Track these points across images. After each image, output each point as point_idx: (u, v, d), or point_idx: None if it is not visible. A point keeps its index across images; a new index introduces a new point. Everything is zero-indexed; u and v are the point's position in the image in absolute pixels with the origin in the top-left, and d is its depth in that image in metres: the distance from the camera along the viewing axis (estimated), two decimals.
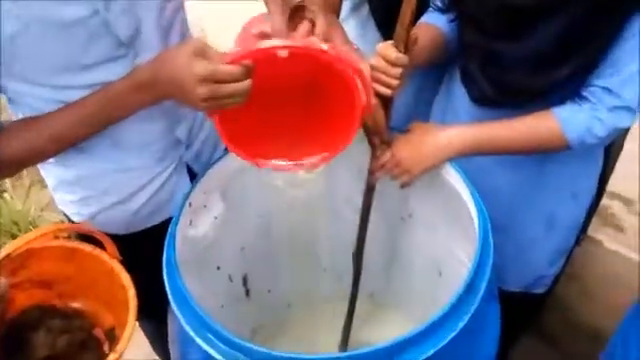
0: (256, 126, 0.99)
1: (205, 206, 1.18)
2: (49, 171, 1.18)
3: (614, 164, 1.71)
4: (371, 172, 1.16)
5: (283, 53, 0.84)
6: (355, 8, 1.45)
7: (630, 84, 1.02)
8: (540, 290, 1.46)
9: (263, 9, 0.95)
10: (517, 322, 1.43)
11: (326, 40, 0.88)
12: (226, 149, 1.24)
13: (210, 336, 0.88)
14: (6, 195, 2.46)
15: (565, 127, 1.07)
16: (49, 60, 0.95)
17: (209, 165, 1.18)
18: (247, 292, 1.45)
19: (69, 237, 1.31)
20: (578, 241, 1.45)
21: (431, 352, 0.84)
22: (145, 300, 1.09)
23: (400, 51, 0.98)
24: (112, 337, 1.17)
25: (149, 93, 0.97)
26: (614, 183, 1.78)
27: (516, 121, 1.10)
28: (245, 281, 1.43)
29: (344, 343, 1.46)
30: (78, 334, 1.18)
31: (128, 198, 1.19)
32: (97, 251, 1.14)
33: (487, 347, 1.03)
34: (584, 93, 1.06)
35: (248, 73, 0.86)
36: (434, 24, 1.20)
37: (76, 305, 1.21)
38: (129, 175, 1.16)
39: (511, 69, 1.10)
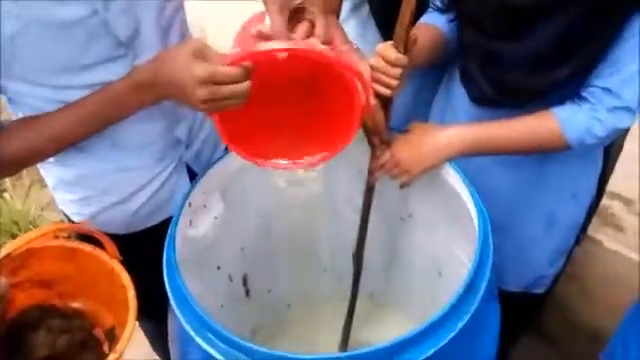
0: (256, 125, 1.00)
1: (205, 206, 1.18)
2: (49, 171, 1.19)
3: (614, 164, 1.71)
4: (371, 172, 1.17)
5: (282, 55, 0.84)
6: (355, 8, 1.45)
7: (630, 84, 1.02)
8: (540, 290, 1.46)
9: (263, 9, 0.95)
10: (517, 322, 1.43)
11: (325, 41, 0.88)
12: (226, 149, 1.24)
13: (210, 336, 0.88)
14: (6, 195, 2.46)
15: (565, 127, 1.07)
16: (49, 60, 0.95)
17: (209, 165, 1.18)
18: (247, 292, 1.45)
19: (69, 237, 1.31)
20: (578, 241, 1.45)
21: (431, 352, 0.84)
22: (145, 300, 1.09)
23: (400, 51, 0.98)
24: (112, 337, 1.17)
25: (149, 93, 0.97)
26: (614, 183, 1.78)
27: (516, 121, 1.10)
28: (245, 281, 1.43)
29: (344, 343, 1.46)
30: (78, 334, 1.18)
31: (128, 198, 1.19)
32: (97, 251, 1.14)
33: (487, 347, 1.03)
34: (584, 93, 1.06)
35: (247, 75, 0.87)
36: (434, 24, 1.20)
37: (76, 305, 1.21)
38: (129, 175, 1.17)
39: (511, 69, 1.10)
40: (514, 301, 1.31)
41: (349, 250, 1.32)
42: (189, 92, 0.88)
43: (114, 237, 1.15)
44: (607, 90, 1.03)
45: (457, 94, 1.27)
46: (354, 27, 1.44)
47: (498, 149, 1.13)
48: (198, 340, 0.89)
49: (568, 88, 1.07)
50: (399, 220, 1.38)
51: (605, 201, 2.19)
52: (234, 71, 0.86)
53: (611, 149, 1.43)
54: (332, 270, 1.56)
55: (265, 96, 0.95)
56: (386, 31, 1.34)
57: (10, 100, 1.04)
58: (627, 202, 2.29)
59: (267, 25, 0.88)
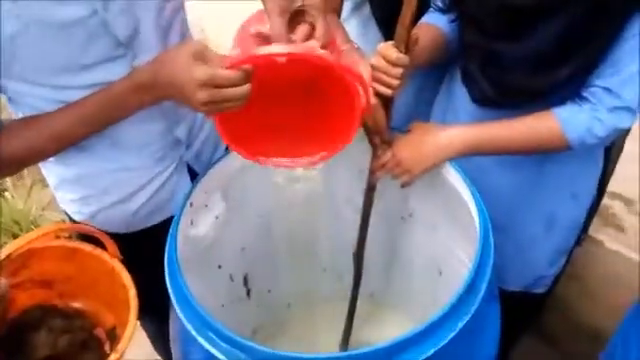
0: (256, 125, 1.00)
1: (206, 206, 1.18)
2: (50, 170, 1.19)
3: (615, 165, 1.71)
4: (372, 172, 1.17)
5: (282, 59, 0.84)
6: (356, 8, 1.45)
7: (630, 84, 1.02)
8: (540, 290, 1.46)
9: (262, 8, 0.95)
10: (517, 322, 1.43)
11: (325, 44, 0.87)
12: (227, 149, 1.25)
13: (212, 335, 0.88)
14: (7, 194, 2.46)
15: (565, 127, 1.07)
16: (48, 60, 0.95)
17: (210, 165, 1.18)
18: (248, 292, 1.45)
19: (70, 237, 1.31)
20: (579, 241, 1.45)
21: (431, 352, 0.84)
22: (146, 299, 1.09)
23: (401, 51, 0.99)
24: (113, 337, 1.17)
25: (149, 94, 0.97)
26: (615, 183, 1.78)
27: (516, 121, 1.10)
28: (246, 281, 1.43)
29: (345, 343, 1.46)
30: (79, 334, 1.18)
31: (128, 197, 1.19)
32: (98, 251, 1.14)
33: (487, 347, 1.03)
34: (584, 93, 1.06)
35: (247, 78, 0.87)
36: (435, 24, 1.20)
37: (77, 305, 1.21)
38: (129, 174, 1.17)
39: (511, 69, 1.10)
40: (514, 301, 1.31)
41: (349, 250, 1.32)
42: (189, 94, 0.88)
43: (115, 236, 1.16)
44: (607, 90, 1.03)
45: (458, 94, 1.27)
46: (355, 27, 1.44)
47: (499, 149, 1.13)
48: (200, 340, 0.89)
49: (569, 88, 1.07)
50: (400, 220, 1.38)
51: (606, 201, 2.19)
52: (234, 74, 0.86)
53: (612, 149, 1.43)
54: (332, 270, 1.57)
55: (265, 96, 0.95)
56: (387, 31, 1.34)
57: (10, 100, 1.04)
58: (628, 202, 2.29)
59: (266, 26, 0.88)
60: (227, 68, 0.86)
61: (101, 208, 1.20)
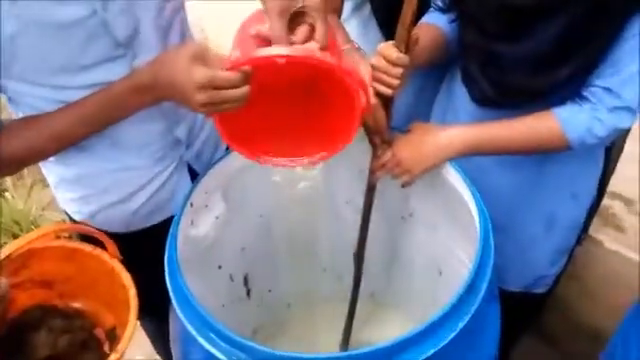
0: (256, 125, 1.00)
1: (206, 206, 1.18)
2: (50, 169, 1.19)
3: (615, 165, 1.71)
4: (372, 171, 1.17)
5: (281, 61, 0.84)
6: (357, 8, 1.45)
7: (630, 84, 1.02)
8: (541, 290, 1.46)
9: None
10: (517, 322, 1.43)
11: (324, 46, 0.87)
12: (227, 149, 1.25)
13: (212, 335, 0.88)
14: (7, 194, 2.46)
15: (565, 127, 1.07)
16: (48, 60, 0.95)
17: (210, 165, 1.18)
18: (248, 292, 1.45)
19: (70, 237, 1.31)
20: (579, 241, 1.45)
21: (431, 352, 0.84)
22: (146, 299, 1.09)
23: (401, 51, 0.99)
24: (113, 337, 1.17)
25: (149, 95, 0.97)
26: (615, 183, 1.78)
27: (517, 121, 1.10)
28: (246, 281, 1.43)
29: (345, 343, 1.46)
30: (79, 334, 1.18)
31: (128, 197, 1.19)
32: (98, 251, 1.14)
33: (487, 347, 1.03)
34: (584, 93, 1.06)
35: (246, 79, 0.87)
36: (435, 24, 1.20)
37: (77, 305, 1.21)
38: (129, 174, 1.17)
39: (511, 70, 1.10)
40: (515, 301, 1.31)
41: (350, 250, 1.32)
42: (188, 96, 0.89)
43: (115, 236, 1.16)
44: (607, 90, 1.03)
45: (458, 94, 1.27)
46: (356, 27, 1.44)
47: (499, 149, 1.13)
48: (200, 340, 0.89)
49: (569, 88, 1.07)
50: (400, 220, 1.38)
51: (606, 201, 2.19)
52: (233, 76, 0.86)
53: (612, 149, 1.43)
54: (333, 270, 1.57)
55: (265, 96, 0.96)
56: (388, 31, 1.35)
57: (10, 100, 1.04)
58: (628, 202, 2.29)
59: (266, 26, 0.88)
60: (226, 70, 0.86)
61: (101, 208, 1.20)
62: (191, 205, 1.11)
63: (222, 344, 0.87)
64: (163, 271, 1.01)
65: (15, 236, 2.22)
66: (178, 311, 0.94)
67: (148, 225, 1.25)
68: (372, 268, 1.40)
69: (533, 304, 1.51)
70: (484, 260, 0.96)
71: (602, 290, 1.98)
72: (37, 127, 1.00)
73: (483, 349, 1.02)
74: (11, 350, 1.13)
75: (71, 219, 1.27)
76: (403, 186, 1.17)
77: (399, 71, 1.00)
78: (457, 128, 1.14)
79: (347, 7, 1.43)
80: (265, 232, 1.40)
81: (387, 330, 1.53)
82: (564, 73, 1.04)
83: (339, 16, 1.37)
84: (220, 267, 1.31)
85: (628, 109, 1.04)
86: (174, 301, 0.96)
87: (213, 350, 0.87)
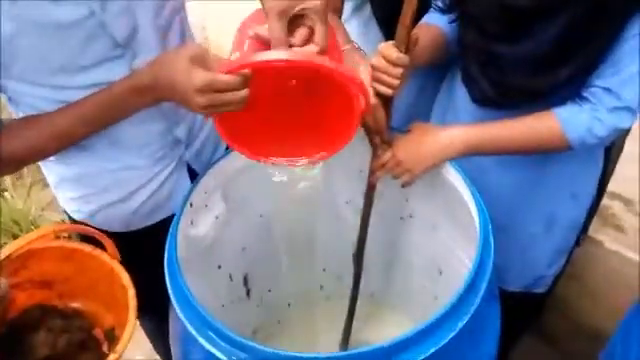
0: (256, 124, 1.00)
1: (206, 206, 1.18)
2: (50, 169, 1.19)
3: (615, 165, 1.70)
4: (372, 171, 1.17)
5: (281, 64, 0.84)
6: (357, 8, 1.45)
7: (630, 85, 1.02)
8: (540, 290, 1.46)
9: None
10: (517, 322, 1.43)
11: (323, 49, 0.87)
12: (227, 149, 1.25)
13: (212, 335, 0.88)
14: (7, 194, 2.46)
15: (566, 127, 1.07)
16: (47, 61, 0.95)
17: (210, 165, 1.18)
18: (248, 292, 1.45)
19: (70, 237, 1.31)
20: (579, 241, 1.45)
21: (431, 351, 0.84)
22: (145, 298, 1.09)
23: (401, 51, 0.99)
24: (112, 337, 1.17)
25: (148, 95, 0.98)
26: (615, 183, 1.78)
27: (517, 121, 1.11)
28: (246, 281, 1.43)
29: (345, 343, 1.46)
30: (78, 334, 1.18)
31: (128, 196, 1.19)
32: (97, 251, 1.14)
33: (487, 347, 1.03)
34: (584, 93, 1.06)
35: (246, 82, 0.87)
36: (435, 25, 1.21)
37: (76, 305, 1.21)
38: (129, 174, 1.17)
39: (511, 70, 1.10)
40: (515, 301, 1.31)
41: (349, 250, 1.32)
42: (188, 98, 0.89)
43: (114, 235, 1.16)
44: (607, 90, 1.03)
45: (459, 94, 1.27)
46: (356, 27, 1.44)
47: (499, 149, 1.13)
48: (200, 339, 0.89)
49: (569, 89, 1.07)
50: (399, 220, 1.38)
51: (606, 201, 2.19)
52: (233, 79, 0.86)
53: (612, 149, 1.43)
54: (332, 270, 1.57)
55: (264, 97, 0.96)
56: (388, 31, 1.35)
57: (10, 99, 1.04)
58: (627, 203, 2.28)
59: (265, 27, 0.88)
60: (226, 73, 0.86)
61: (101, 207, 1.20)
62: (191, 205, 1.11)
63: (222, 344, 0.87)
64: (163, 270, 1.01)
65: (15, 236, 2.22)
66: (178, 311, 0.94)
67: (148, 224, 1.25)
68: (372, 268, 1.40)
69: (533, 304, 1.51)
70: (484, 260, 0.96)
71: (602, 290, 1.98)
72: (37, 127, 1.00)
73: (483, 349, 1.02)
74: (10, 350, 1.13)
75: (71, 218, 1.27)
76: (403, 186, 1.17)
77: (399, 71, 1.00)
78: (457, 128, 1.14)
79: (347, 7, 1.43)
80: (265, 232, 1.40)
81: (387, 330, 1.52)
82: (564, 73, 1.05)
83: (340, 16, 1.37)
84: (220, 267, 1.31)
85: (628, 109, 1.04)
86: (174, 301, 0.96)
87: (213, 350, 0.87)
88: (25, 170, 2.48)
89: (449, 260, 1.26)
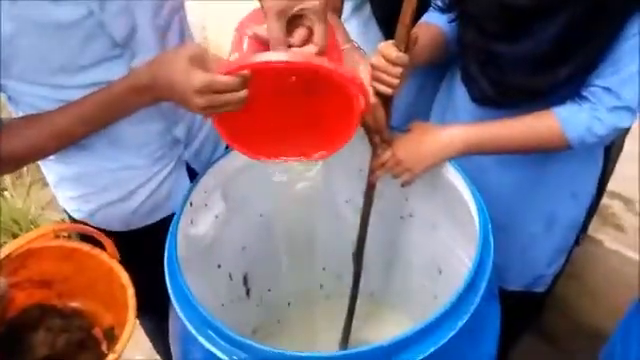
0: (255, 124, 1.00)
1: (206, 205, 1.18)
2: (50, 168, 1.19)
3: (614, 164, 1.70)
4: (371, 171, 1.17)
5: (280, 65, 0.84)
6: (357, 8, 1.45)
7: (630, 84, 1.02)
8: (540, 289, 1.46)
9: None
10: (517, 321, 1.43)
11: (322, 49, 0.87)
12: (226, 148, 1.25)
13: (212, 334, 0.88)
14: (6, 194, 2.46)
15: (565, 127, 1.07)
16: (46, 60, 0.95)
17: (210, 164, 1.18)
18: (247, 291, 1.45)
19: (69, 236, 1.31)
20: (579, 241, 1.45)
21: (431, 351, 0.84)
22: (145, 297, 1.09)
23: (401, 50, 0.99)
24: (111, 336, 1.17)
25: (147, 95, 0.98)
26: (614, 183, 1.78)
27: (517, 121, 1.10)
28: (245, 280, 1.43)
29: (344, 342, 1.46)
30: (77, 334, 1.18)
31: (128, 196, 1.19)
32: (96, 251, 1.14)
33: (487, 346, 1.03)
34: (584, 93, 1.06)
35: (244, 83, 0.87)
36: (435, 24, 1.20)
37: (75, 305, 1.21)
38: (128, 173, 1.17)
39: (511, 69, 1.10)
40: (514, 300, 1.31)
41: (349, 249, 1.32)
42: (187, 99, 0.89)
43: (114, 234, 1.16)
44: (607, 89, 1.03)
45: (458, 93, 1.27)
46: (356, 26, 1.44)
47: (499, 148, 1.13)
48: (200, 339, 0.89)
49: (568, 88, 1.07)
50: (399, 219, 1.38)
51: (605, 201, 2.19)
52: (231, 81, 0.86)
53: (611, 149, 1.43)
54: (332, 269, 1.56)
55: (263, 96, 0.96)
56: (387, 30, 1.35)
57: (10, 99, 1.05)
58: (627, 202, 2.28)
59: (264, 27, 0.88)
60: (225, 74, 0.86)
61: (101, 206, 1.20)
62: (191, 204, 1.11)
63: (222, 343, 0.87)
64: (162, 270, 1.01)
65: (14, 235, 2.22)
66: (178, 310, 0.94)
67: (147, 224, 1.25)
68: (372, 267, 1.40)
69: (533, 303, 1.51)
70: (484, 259, 0.96)
71: (602, 289, 1.98)
72: (37, 126, 1.00)
73: (483, 348, 1.01)
74: (9, 350, 1.13)
75: (71, 217, 1.27)
76: (403, 185, 1.17)
77: (399, 70, 1.00)
78: (457, 127, 1.14)
79: (347, 7, 1.43)
80: (265, 231, 1.40)
81: (386, 329, 1.52)
82: (564, 73, 1.05)
83: (339, 16, 1.37)
84: (219, 266, 1.31)
85: (628, 109, 1.04)
86: (174, 300, 0.96)
87: (213, 349, 0.87)
88: (25, 169, 2.48)
89: (449, 259, 1.25)
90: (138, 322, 1.35)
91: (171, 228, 1.06)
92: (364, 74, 1.06)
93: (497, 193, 1.22)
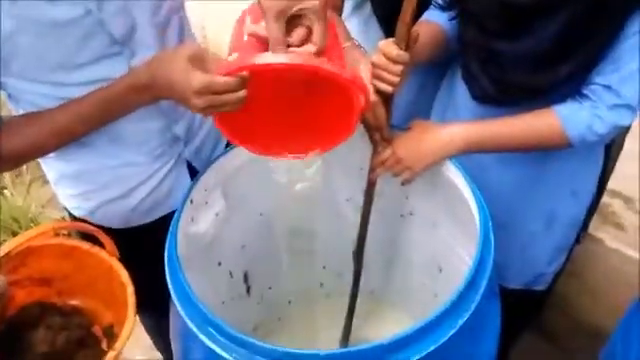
0: (255, 121, 1.00)
1: (206, 203, 1.18)
2: (50, 165, 1.19)
3: (615, 163, 1.70)
4: (372, 169, 1.16)
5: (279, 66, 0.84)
6: (358, 6, 1.45)
7: (630, 82, 1.02)
8: (540, 287, 1.46)
9: None
10: (517, 319, 1.43)
11: (321, 49, 0.87)
12: (227, 146, 1.25)
13: (213, 331, 0.88)
14: (6, 192, 2.46)
15: (566, 125, 1.07)
16: (46, 58, 0.96)
17: (210, 162, 1.18)
18: (248, 289, 1.45)
19: (69, 235, 1.31)
20: (579, 239, 1.45)
21: (431, 349, 0.84)
22: (146, 295, 1.09)
23: (401, 48, 0.99)
24: (110, 334, 1.17)
25: (147, 93, 0.98)
26: (615, 181, 1.78)
27: (517, 119, 1.10)
28: (246, 278, 1.43)
29: (345, 340, 1.46)
30: (77, 331, 1.18)
31: (128, 193, 1.19)
32: (96, 249, 1.14)
33: (487, 344, 1.03)
34: (585, 91, 1.06)
35: (243, 83, 0.88)
36: (435, 22, 1.20)
37: (75, 302, 1.21)
38: (129, 170, 1.17)
39: (511, 67, 1.10)
40: (515, 298, 1.31)
41: (349, 247, 1.32)
42: (187, 99, 0.90)
43: (114, 232, 1.16)
44: (607, 87, 1.03)
45: (459, 91, 1.27)
46: (356, 24, 1.44)
47: (500, 146, 1.13)
48: (200, 336, 0.89)
49: (569, 86, 1.07)
50: (400, 218, 1.38)
51: (606, 199, 2.19)
52: (230, 81, 0.86)
53: (612, 147, 1.43)
54: (333, 267, 1.56)
55: (263, 93, 0.96)
56: (388, 28, 1.34)
57: (10, 96, 1.05)
58: (627, 200, 2.28)
59: (262, 25, 0.87)
60: (224, 75, 0.86)
61: (101, 203, 1.20)
62: (191, 202, 1.11)
63: (222, 340, 0.87)
64: (163, 267, 1.01)
65: (14, 233, 2.22)
66: (179, 308, 0.94)
67: (147, 221, 1.25)
68: (372, 265, 1.40)
69: (533, 301, 1.51)
70: (484, 257, 0.96)
71: (602, 288, 1.98)
72: (37, 123, 1.01)
73: (483, 346, 1.01)
74: (9, 348, 1.13)
75: (71, 215, 1.27)
76: (403, 184, 1.17)
77: (399, 68, 1.00)
78: (458, 125, 1.14)
79: (348, 5, 1.43)
80: (265, 229, 1.40)
81: (387, 327, 1.52)
82: (564, 71, 1.04)
83: (340, 14, 1.36)
84: (220, 264, 1.31)
85: (628, 107, 1.04)
86: (175, 298, 0.96)
87: (213, 346, 0.87)
88: (25, 167, 2.48)
89: (449, 257, 1.25)
90: (138, 319, 1.36)
91: (172, 226, 1.06)
92: (365, 72, 1.05)
93: (497, 191, 1.21)
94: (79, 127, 1.03)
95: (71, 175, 1.17)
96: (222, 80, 0.86)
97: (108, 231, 1.15)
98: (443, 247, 1.27)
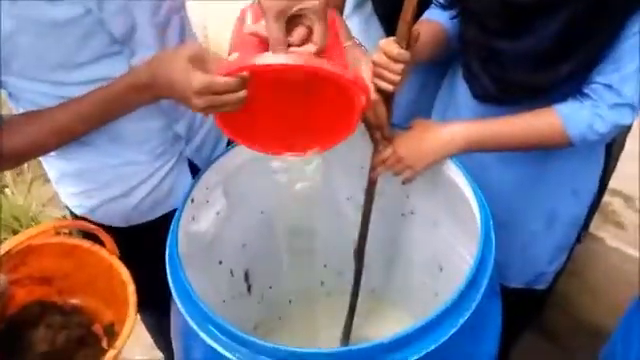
0: (256, 120, 1.00)
1: (207, 201, 1.18)
2: (51, 164, 1.19)
3: (616, 162, 1.70)
4: (372, 168, 1.16)
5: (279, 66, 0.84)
6: (359, 5, 1.45)
7: (630, 81, 1.02)
8: (541, 286, 1.46)
9: None
10: (518, 318, 1.43)
11: (321, 49, 0.87)
12: (228, 144, 1.25)
13: (213, 330, 0.88)
14: (7, 190, 2.46)
15: (567, 124, 1.07)
16: (46, 58, 0.96)
17: (211, 161, 1.18)
18: (249, 288, 1.45)
19: (70, 233, 1.31)
20: (580, 238, 1.45)
21: (432, 348, 0.84)
22: (146, 293, 1.09)
23: (402, 47, 0.99)
24: (111, 333, 1.17)
25: (147, 93, 0.98)
26: (615, 181, 1.78)
27: (518, 118, 1.10)
28: (247, 277, 1.43)
29: (345, 339, 1.46)
30: (77, 330, 1.18)
31: (129, 192, 1.19)
32: (96, 247, 1.14)
33: (488, 343, 1.03)
34: (585, 90, 1.06)
35: (244, 84, 0.88)
36: (436, 21, 1.20)
37: (75, 301, 1.21)
38: (130, 169, 1.17)
39: (512, 66, 1.10)
40: (515, 297, 1.31)
41: (350, 246, 1.32)
42: (187, 99, 0.90)
43: (115, 230, 1.16)
44: (608, 87, 1.03)
45: (460, 90, 1.27)
46: (357, 23, 1.44)
47: (500, 145, 1.13)
48: (201, 334, 0.89)
49: (570, 85, 1.07)
50: (400, 217, 1.38)
51: (606, 198, 2.19)
52: (231, 82, 0.87)
53: (613, 146, 1.43)
54: (333, 266, 1.57)
55: (264, 92, 0.96)
56: (389, 27, 1.34)
57: (10, 95, 1.05)
58: (628, 200, 2.28)
59: (262, 24, 0.87)
60: (224, 75, 0.86)
61: (103, 202, 1.20)
62: (192, 201, 1.11)
63: (223, 338, 0.87)
64: (163, 265, 1.01)
65: (15, 232, 2.22)
66: (180, 306, 0.94)
67: (148, 220, 1.25)
68: (373, 264, 1.40)
69: (534, 300, 1.51)
70: (485, 256, 0.96)
71: (603, 287, 1.97)
72: (38, 122, 1.01)
73: (484, 345, 1.01)
74: (10, 346, 1.13)
75: (72, 213, 1.27)
76: (404, 183, 1.17)
77: (400, 67, 1.00)
78: (459, 124, 1.14)
79: (349, 4, 1.43)
80: (266, 228, 1.40)
81: (387, 326, 1.52)
82: (565, 70, 1.04)
83: (341, 13, 1.36)
84: (221, 263, 1.31)
85: (629, 106, 1.04)
86: (176, 296, 0.96)
87: (214, 345, 0.87)
88: (25, 166, 2.48)
89: (450, 256, 1.25)
90: (139, 318, 1.36)
91: (172, 224, 1.06)
92: (365, 71, 1.05)
93: (498, 190, 1.21)
94: (79, 126, 1.03)
95: (72, 174, 1.17)
96: (222, 80, 0.87)
97: (109, 229, 1.15)
98: (444, 246, 1.27)
